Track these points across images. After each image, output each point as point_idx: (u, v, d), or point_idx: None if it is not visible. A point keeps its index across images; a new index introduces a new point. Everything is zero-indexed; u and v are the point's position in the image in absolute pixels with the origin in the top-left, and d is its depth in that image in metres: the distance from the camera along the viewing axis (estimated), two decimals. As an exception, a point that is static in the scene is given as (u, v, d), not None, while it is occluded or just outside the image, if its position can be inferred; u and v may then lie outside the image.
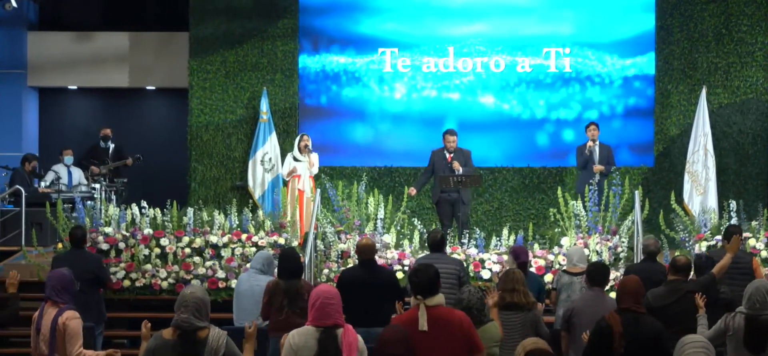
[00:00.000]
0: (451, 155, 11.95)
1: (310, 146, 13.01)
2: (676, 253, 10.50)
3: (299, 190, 12.81)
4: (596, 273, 7.54)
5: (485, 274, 10.70)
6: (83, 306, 8.40)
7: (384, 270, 8.85)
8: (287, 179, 13.04)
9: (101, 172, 13.92)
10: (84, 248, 9.68)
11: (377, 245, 10.56)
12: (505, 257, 9.58)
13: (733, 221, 10.79)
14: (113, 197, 13.40)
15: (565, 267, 9.08)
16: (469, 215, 12.33)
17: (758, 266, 9.15)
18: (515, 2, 14.76)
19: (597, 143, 12.71)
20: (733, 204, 10.98)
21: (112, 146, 14.68)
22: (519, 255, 8.67)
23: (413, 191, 12.18)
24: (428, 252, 9.19)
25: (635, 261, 10.33)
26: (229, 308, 10.73)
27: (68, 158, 13.91)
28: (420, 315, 5.69)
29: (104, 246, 10.96)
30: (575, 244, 10.79)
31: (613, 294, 9.71)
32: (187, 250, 11.04)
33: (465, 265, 10.65)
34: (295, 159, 13.00)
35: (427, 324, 5.66)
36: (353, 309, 8.17)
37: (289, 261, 7.99)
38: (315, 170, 13.05)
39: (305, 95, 14.91)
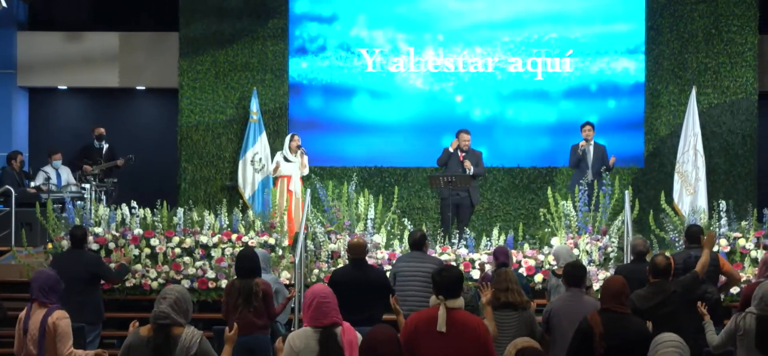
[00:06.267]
0: (464, 154, 12.06)
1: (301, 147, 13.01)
2: (660, 253, 10.48)
3: (289, 191, 12.80)
4: (573, 273, 7.50)
5: (475, 274, 10.71)
6: (80, 305, 8.38)
7: (374, 270, 8.86)
8: (275, 176, 13.05)
9: (93, 171, 13.85)
10: (84, 248, 9.52)
11: (368, 245, 10.56)
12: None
13: (723, 221, 10.81)
14: (103, 197, 13.35)
15: (554, 268, 9.05)
16: (470, 217, 12.40)
17: (725, 261, 9.24)
18: (507, 4, 14.77)
19: (591, 142, 12.75)
20: (722, 204, 11.00)
21: (105, 145, 14.57)
22: (497, 256, 8.70)
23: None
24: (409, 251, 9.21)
25: (625, 262, 10.33)
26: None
27: (57, 162, 13.79)
28: (440, 315, 5.61)
29: (94, 246, 10.93)
30: (565, 243, 10.81)
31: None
32: (177, 250, 11.03)
33: (455, 265, 10.67)
34: (286, 160, 12.98)
35: (445, 326, 5.61)
36: (344, 308, 8.19)
37: (244, 261, 8.06)
38: (306, 171, 13.05)
39: (295, 95, 14.89)
